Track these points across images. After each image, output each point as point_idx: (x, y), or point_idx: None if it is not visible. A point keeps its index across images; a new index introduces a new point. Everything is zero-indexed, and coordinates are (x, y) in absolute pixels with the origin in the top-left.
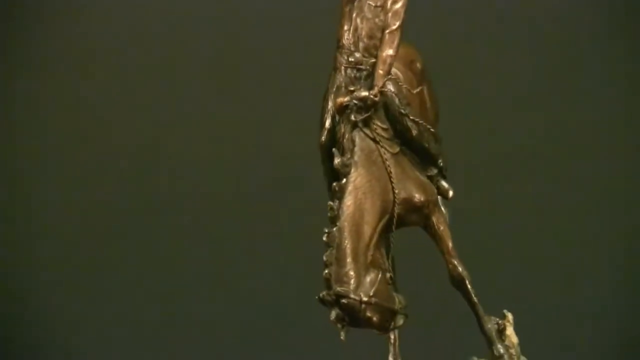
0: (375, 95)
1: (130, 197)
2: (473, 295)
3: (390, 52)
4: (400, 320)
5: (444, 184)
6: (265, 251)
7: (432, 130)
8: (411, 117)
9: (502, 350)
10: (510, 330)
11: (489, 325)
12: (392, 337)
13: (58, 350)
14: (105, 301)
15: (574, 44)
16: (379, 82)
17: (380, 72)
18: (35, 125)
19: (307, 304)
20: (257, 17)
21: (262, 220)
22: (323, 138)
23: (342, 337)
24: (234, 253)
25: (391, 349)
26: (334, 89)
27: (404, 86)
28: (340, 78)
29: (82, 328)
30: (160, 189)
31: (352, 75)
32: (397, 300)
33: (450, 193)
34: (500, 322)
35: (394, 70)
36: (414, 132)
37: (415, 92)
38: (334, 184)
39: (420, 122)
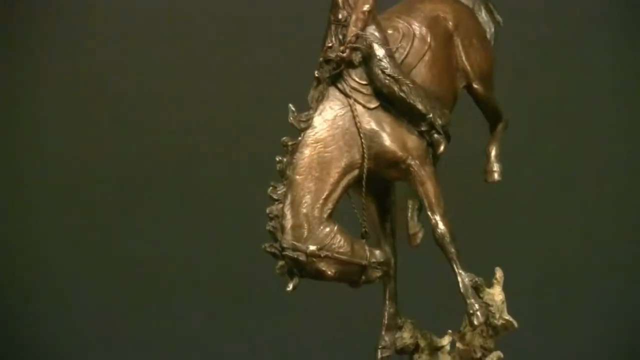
0: (343, 52)
1: (130, 196)
2: (451, 252)
3: (365, 8)
4: (374, 274)
5: (438, 138)
6: None
7: (410, 85)
8: (388, 73)
9: (476, 307)
10: (496, 289)
11: (466, 282)
12: (387, 290)
13: (58, 350)
14: (105, 301)
15: (574, 42)
16: (347, 39)
17: (353, 29)
18: (35, 125)
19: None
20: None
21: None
22: None
23: (288, 289)
24: (235, 252)
25: (387, 302)
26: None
27: (381, 44)
28: (329, 35)
29: (82, 328)
30: (161, 188)
31: (337, 32)
32: (367, 254)
33: (441, 148)
34: (477, 279)
35: (401, 24)
36: (395, 88)
37: (395, 47)
38: (284, 138)
39: (399, 77)
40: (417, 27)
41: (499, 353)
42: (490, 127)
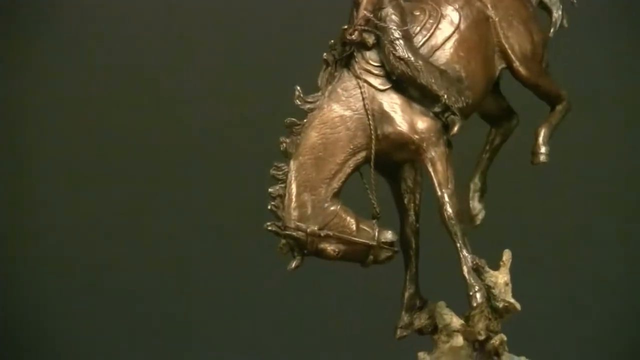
0: (351, 34)
1: (129, 196)
2: (455, 233)
3: None
4: (382, 255)
5: (453, 118)
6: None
7: (422, 67)
8: (398, 55)
9: (476, 288)
10: (502, 271)
11: (468, 263)
12: (408, 271)
13: (57, 350)
14: (104, 300)
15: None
16: (356, 22)
17: (363, 12)
18: (35, 125)
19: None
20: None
21: None
22: None
23: (289, 268)
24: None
25: (407, 282)
26: None
27: (396, 26)
28: (351, 18)
29: (82, 328)
30: (160, 188)
31: (354, 14)
32: (375, 234)
33: (454, 129)
34: (477, 260)
35: (429, 5)
36: (405, 70)
37: (417, 28)
38: (289, 119)
39: (410, 59)
40: (446, 9)
41: (502, 335)
42: (551, 109)
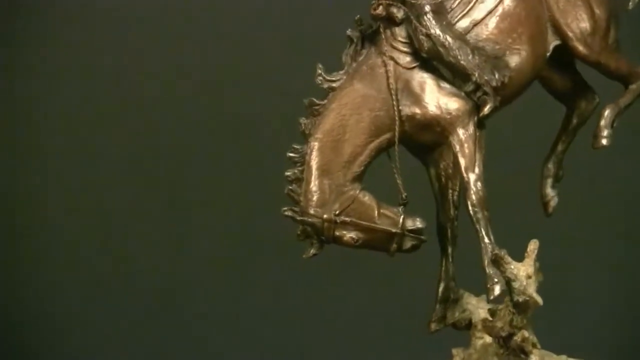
0: (375, 9)
1: (129, 196)
2: (479, 219)
3: None
4: (408, 243)
5: (484, 98)
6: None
7: (451, 43)
8: (425, 32)
9: (495, 280)
10: (526, 262)
11: (489, 252)
12: (443, 261)
13: (57, 349)
14: (105, 301)
15: None
16: None
17: None
18: (35, 125)
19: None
20: None
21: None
22: None
23: (305, 256)
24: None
25: (442, 275)
26: None
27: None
28: None
29: (82, 328)
30: (160, 188)
31: None
32: (400, 221)
33: (485, 109)
34: (497, 251)
35: None
36: (431, 46)
37: (455, 3)
38: (309, 100)
39: (438, 35)
40: None
41: (523, 332)
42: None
